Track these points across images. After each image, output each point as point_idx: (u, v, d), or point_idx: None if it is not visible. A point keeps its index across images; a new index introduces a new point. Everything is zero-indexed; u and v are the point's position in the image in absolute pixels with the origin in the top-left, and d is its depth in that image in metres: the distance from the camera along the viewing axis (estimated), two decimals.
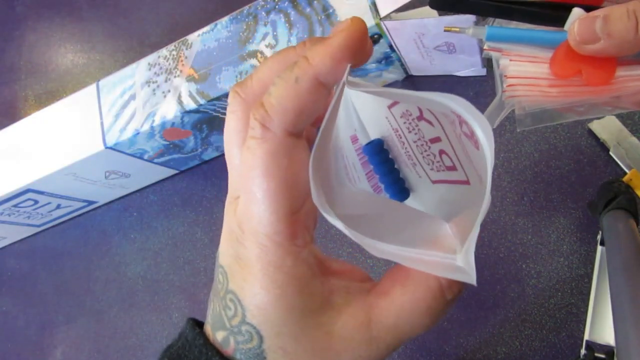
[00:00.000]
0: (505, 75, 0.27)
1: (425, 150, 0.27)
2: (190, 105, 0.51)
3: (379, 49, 0.48)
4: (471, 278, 0.18)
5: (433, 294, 0.20)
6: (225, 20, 0.52)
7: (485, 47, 0.27)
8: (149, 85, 0.53)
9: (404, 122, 0.27)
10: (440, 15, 0.47)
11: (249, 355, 0.20)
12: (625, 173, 0.46)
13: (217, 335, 0.21)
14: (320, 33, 0.47)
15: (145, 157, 0.57)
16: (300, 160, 0.19)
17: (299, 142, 0.20)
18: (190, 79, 0.52)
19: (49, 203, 0.61)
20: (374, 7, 0.45)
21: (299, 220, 0.20)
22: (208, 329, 0.22)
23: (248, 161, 0.19)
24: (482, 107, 0.26)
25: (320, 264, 0.21)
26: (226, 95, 0.50)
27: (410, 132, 0.27)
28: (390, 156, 0.30)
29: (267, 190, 0.19)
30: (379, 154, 0.29)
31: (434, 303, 0.20)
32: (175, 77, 0.52)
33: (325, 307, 0.20)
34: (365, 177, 0.29)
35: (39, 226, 0.66)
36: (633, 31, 0.21)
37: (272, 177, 0.19)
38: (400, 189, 0.30)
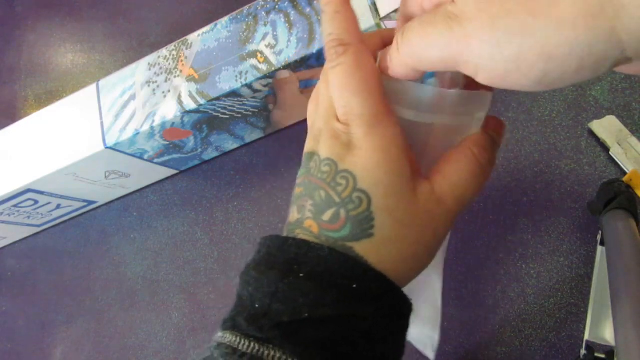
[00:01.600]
0: None
1: None
2: (190, 105, 0.51)
3: None
4: None
5: (469, 161, 0.25)
6: (225, 20, 0.52)
7: None
8: (149, 85, 0.53)
9: None
10: None
11: (359, 220, 0.23)
12: (625, 173, 0.46)
13: (325, 216, 0.24)
14: (320, 33, 0.47)
15: (145, 157, 0.57)
16: (372, 62, 0.25)
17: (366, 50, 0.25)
18: (190, 79, 0.52)
19: (49, 203, 0.61)
20: (374, 7, 0.45)
21: (387, 104, 0.24)
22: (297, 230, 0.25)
23: (340, 67, 0.24)
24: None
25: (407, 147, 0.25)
26: (226, 95, 0.50)
27: None
28: None
29: (362, 80, 0.24)
30: None
31: (473, 167, 0.25)
32: (175, 77, 0.52)
33: (415, 174, 0.25)
34: None
35: (39, 226, 0.66)
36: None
37: (363, 70, 0.24)
38: None
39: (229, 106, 0.52)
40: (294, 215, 0.26)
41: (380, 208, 0.23)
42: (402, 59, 0.23)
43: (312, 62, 0.48)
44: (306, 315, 0.22)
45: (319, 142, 0.26)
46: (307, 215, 0.25)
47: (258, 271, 0.24)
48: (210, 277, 0.57)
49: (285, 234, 0.26)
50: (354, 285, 0.23)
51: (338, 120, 0.25)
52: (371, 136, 0.24)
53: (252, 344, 0.22)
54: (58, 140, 0.56)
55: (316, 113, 0.27)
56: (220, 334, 0.24)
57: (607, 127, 0.47)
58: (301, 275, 0.23)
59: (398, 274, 0.24)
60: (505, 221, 0.48)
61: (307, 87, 0.52)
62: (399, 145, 0.24)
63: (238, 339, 0.22)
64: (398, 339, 0.25)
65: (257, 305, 0.23)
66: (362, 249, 0.23)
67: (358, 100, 0.24)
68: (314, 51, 0.47)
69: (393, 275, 0.24)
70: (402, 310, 0.25)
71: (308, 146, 0.27)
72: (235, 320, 0.23)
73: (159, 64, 0.54)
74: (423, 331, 0.34)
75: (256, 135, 0.59)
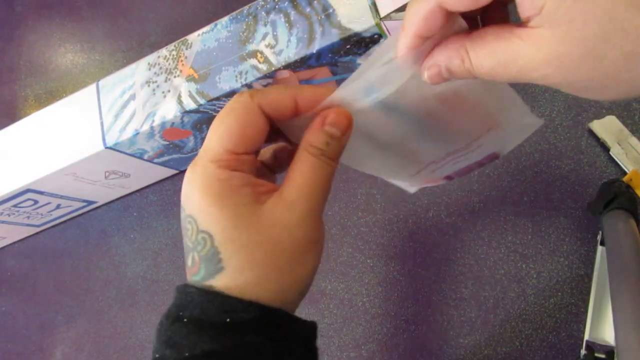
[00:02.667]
0: None
1: None
2: (190, 105, 0.51)
3: None
4: None
5: (306, 160, 0.26)
6: (225, 20, 0.52)
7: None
8: (148, 85, 0.53)
9: None
10: None
11: (208, 259, 0.24)
12: (625, 173, 0.46)
13: (188, 262, 0.26)
14: (320, 33, 0.47)
15: (145, 157, 0.57)
16: (252, 121, 0.26)
17: (256, 113, 0.26)
18: (190, 79, 0.52)
19: (48, 203, 0.61)
20: (374, 7, 0.45)
21: (242, 160, 0.26)
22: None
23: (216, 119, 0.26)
24: None
25: (256, 184, 0.26)
26: (226, 95, 0.50)
27: None
28: None
29: (219, 132, 0.25)
30: None
31: (312, 165, 0.26)
32: (175, 77, 0.52)
33: (255, 201, 0.25)
34: None
35: (38, 226, 0.66)
36: (473, 77, 0.24)
37: (225, 124, 0.26)
38: None
39: None
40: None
41: (223, 241, 0.24)
42: (471, 70, 0.23)
43: (312, 62, 0.48)
44: (186, 354, 0.23)
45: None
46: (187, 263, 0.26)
47: (161, 323, 0.25)
48: None
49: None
50: (227, 320, 0.23)
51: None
52: (205, 177, 0.25)
53: None
54: (58, 140, 0.56)
55: None
56: None
57: (607, 127, 0.47)
58: (185, 320, 0.24)
59: (274, 293, 0.25)
60: (505, 221, 0.48)
61: None
62: (232, 185, 0.25)
63: None
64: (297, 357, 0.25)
65: (157, 355, 0.24)
66: (220, 283, 0.24)
67: (210, 144, 0.25)
68: (314, 51, 0.47)
69: (268, 297, 0.24)
70: (289, 328, 0.25)
71: None
72: None
73: (159, 64, 0.54)
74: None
75: None
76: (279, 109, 0.26)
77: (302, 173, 0.26)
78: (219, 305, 0.24)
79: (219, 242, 0.24)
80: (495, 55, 0.22)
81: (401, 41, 0.24)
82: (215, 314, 0.24)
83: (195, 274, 0.25)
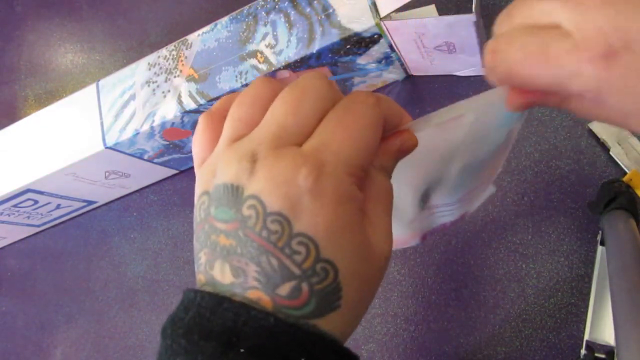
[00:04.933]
0: None
1: None
2: (190, 105, 0.51)
3: (379, 49, 0.48)
4: None
5: (387, 195, 0.24)
6: (225, 20, 0.52)
7: None
8: (148, 85, 0.53)
9: None
10: (440, 15, 0.47)
11: (325, 294, 0.20)
12: (625, 173, 0.46)
13: (281, 290, 0.20)
14: (320, 33, 0.47)
15: (145, 157, 0.57)
16: (379, 136, 0.23)
17: (381, 125, 0.23)
18: (190, 78, 0.52)
19: (48, 203, 0.61)
20: (374, 7, 0.45)
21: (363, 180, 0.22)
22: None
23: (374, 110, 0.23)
24: None
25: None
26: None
27: None
28: None
29: (360, 142, 0.22)
30: None
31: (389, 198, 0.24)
32: (175, 77, 0.52)
33: (368, 226, 0.22)
34: None
35: (38, 226, 0.66)
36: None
37: (366, 135, 0.22)
38: None
39: None
40: (225, 275, 0.21)
41: (348, 277, 0.21)
42: (497, 77, 0.22)
43: (312, 62, 0.48)
44: None
45: (253, 174, 0.21)
46: (252, 284, 0.20)
47: (189, 340, 0.19)
48: None
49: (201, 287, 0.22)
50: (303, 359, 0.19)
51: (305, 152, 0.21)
52: (327, 187, 0.20)
53: None
54: (58, 140, 0.56)
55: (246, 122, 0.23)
56: None
57: (607, 127, 0.47)
58: (242, 350, 0.19)
59: (349, 330, 0.23)
60: (505, 221, 0.48)
61: None
62: (355, 199, 0.21)
63: None
64: None
65: None
66: (328, 323, 0.21)
67: (347, 151, 0.21)
68: (314, 51, 0.47)
69: (346, 333, 0.22)
70: None
71: (228, 171, 0.21)
72: None
73: (159, 64, 0.54)
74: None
75: None
76: (388, 127, 0.23)
77: (376, 188, 0.23)
78: (298, 340, 0.19)
79: (343, 276, 0.20)
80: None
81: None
82: (291, 350, 0.19)
83: (298, 307, 0.20)
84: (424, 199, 0.31)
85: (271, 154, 0.21)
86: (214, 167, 0.22)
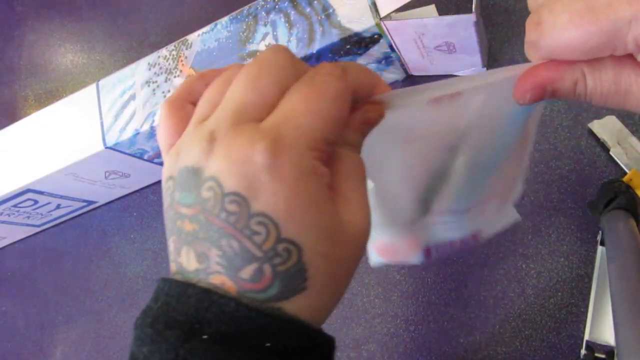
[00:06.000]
0: None
1: None
2: None
3: (379, 49, 0.48)
4: None
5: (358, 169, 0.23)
6: (225, 20, 0.52)
7: None
8: (149, 85, 0.53)
9: None
10: (440, 15, 0.47)
11: (289, 276, 0.19)
12: (625, 173, 0.46)
13: (243, 273, 0.19)
14: (320, 33, 0.47)
15: (145, 157, 0.57)
16: (347, 107, 0.22)
17: (349, 95, 0.22)
18: None
19: (48, 203, 0.61)
20: (374, 7, 0.45)
21: (330, 155, 0.21)
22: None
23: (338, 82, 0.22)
24: None
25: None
26: None
27: None
28: None
29: (322, 113, 0.20)
30: None
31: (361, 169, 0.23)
32: (175, 77, 0.52)
33: (340, 203, 0.21)
34: None
35: (38, 226, 0.66)
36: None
37: (329, 107, 0.21)
38: None
39: None
40: (190, 261, 0.20)
41: (313, 258, 0.20)
42: (583, 93, 0.21)
43: (312, 62, 0.48)
44: None
45: (210, 154, 0.20)
46: (215, 269, 0.20)
47: (155, 329, 0.19)
48: None
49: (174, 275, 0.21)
50: (268, 344, 0.19)
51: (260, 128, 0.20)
52: (285, 163, 0.19)
53: None
54: (58, 140, 0.56)
55: (209, 105, 0.22)
56: None
57: (607, 127, 0.47)
58: (204, 337, 0.18)
59: (322, 313, 0.21)
60: None
61: None
62: (319, 174, 0.20)
63: None
64: None
65: None
66: (295, 306, 0.20)
67: (306, 125, 0.20)
68: (314, 51, 0.47)
69: (317, 316, 0.21)
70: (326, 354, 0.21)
71: (189, 154, 0.21)
72: None
73: (159, 64, 0.54)
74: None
75: None
76: (359, 95, 0.22)
77: (344, 165, 0.22)
78: (261, 324, 0.19)
79: (308, 258, 0.19)
80: (617, 81, 0.20)
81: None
82: (255, 336, 0.19)
83: (262, 290, 0.19)
84: (427, 199, 0.29)
85: (230, 132, 0.20)
86: (179, 150, 0.22)
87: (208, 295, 0.19)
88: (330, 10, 0.47)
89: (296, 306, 0.20)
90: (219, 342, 0.18)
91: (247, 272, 0.19)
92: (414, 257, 0.32)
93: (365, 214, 0.22)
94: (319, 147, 0.20)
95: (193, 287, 0.19)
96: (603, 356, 0.39)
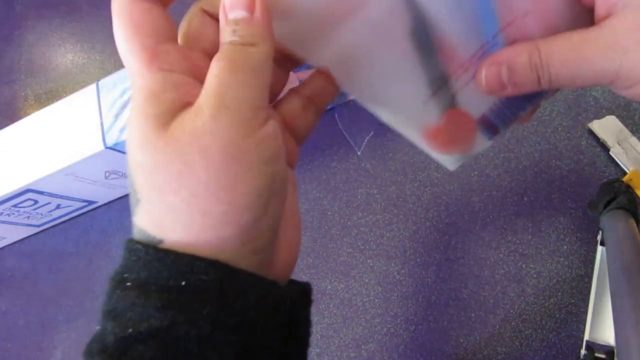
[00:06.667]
0: None
1: None
2: None
3: None
4: None
5: (231, 56, 0.20)
6: None
7: None
8: None
9: None
10: None
11: (131, 188, 0.20)
12: (625, 173, 0.46)
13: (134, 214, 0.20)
14: None
15: None
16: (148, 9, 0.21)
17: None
18: None
19: (49, 203, 0.61)
20: None
21: (160, 53, 0.20)
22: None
23: None
24: None
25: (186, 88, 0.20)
26: None
27: None
28: None
29: (125, 31, 0.21)
30: None
31: (235, 60, 0.20)
32: None
33: (175, 112, 0.19)
34: None
35: (39, 226, 0.66)
36: (536, 84, 0.22)
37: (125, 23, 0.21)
38: None
39: None
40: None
41: (134, 167, 0.19)
42: (540, 68, 0.21)
43: None
44: (130, 331, 0.18)
45: None
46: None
47: (107, 288, 0.20)
48: None
49: None
50: (183, 283, 0.18)
51: None
52: (135, 89, 0.20)
53: None
54: (58, 140, 0.56)
55: None
56: None
57: (607, 127, 0.47)
58: (128, 284, 0.19)
59: (163, 222, 0.19)
60: (505, 221, 0.48)
61: None
62: (141, 87, 0.20)
63: None
64: (275, 335, 0.20)
65: (98, 327, 0.19)
66: (139, 219, 0.19)
67: (125, 52, 0.21)
68: None
69: (206, 243, 0.19)
70: (269, 298, 0.20)
71: None
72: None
73: None
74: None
75: None
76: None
77: (210, 72, 0.19)
78: (171, 264, 0.19)
79: (132, 169, 0.19)
80: (573, 50, 0.20)
81: None
82: (167, 276, 0.19)
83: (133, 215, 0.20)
84: (428, 46, 0.22)
85: None
86: None
87: (129, 245, 0.20)
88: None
89: (138, 219, 0.19)
90: (138, 287, 0.19)
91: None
92: (476, 137, 0.25)
93: (206, 116, 0.19)
94: (143, 58, 0.20)
95: (128, 241, 0.20)
96: (603, 356, 0.39)
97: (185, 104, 0.19)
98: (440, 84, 0.23)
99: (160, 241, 0.19)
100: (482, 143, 0.25)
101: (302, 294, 0.22)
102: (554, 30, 0.21)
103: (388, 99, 0.24)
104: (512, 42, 0.22)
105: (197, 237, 0.19)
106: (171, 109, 0.19)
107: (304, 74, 0.50)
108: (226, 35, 0.20)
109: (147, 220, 0.19)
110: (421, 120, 0.24)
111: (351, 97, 0.55)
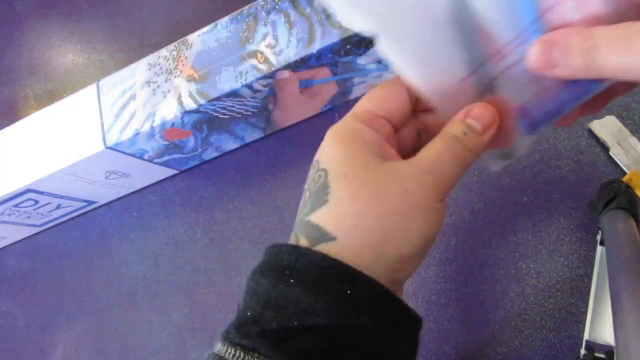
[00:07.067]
0: None
1: None
2: (190, 105, 0.51)
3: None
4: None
5: (452, 144, 0.25)
6: (225, 20, 0.52)
7: None
8: (149, 85, 0.53)
9: None
10: None
11: (317, 193, 0.25)
12: (625, 173, 0.46)
13: (301, 204, 0.26)
14: (320, 33, 0.47)
15: (145, 157, 0.57)
16: (397, 92, 0.27)
17: (403, 87, 0.27)
18: (190, 79, 0.52)
19: (49, 203, 0.61)
20: None
21: (379, 122, 0.26)
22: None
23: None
24: None
25: (385, 146, 0.26)
26: (226, 95, 0.50)
27: None
28: None
29: (365, 96, 0.27)
30: None
31: (455, 149, 0.25)
32: (175, 77, 0.52)
33: (380, 155, 0.25)
34: None
35: (39, 226, 0.66)
36: (583, 70, 0.22)
37: (373, 91, 0.27)
38: None
39: (229, 106, 0.52)
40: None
41: (336, 176, 0.24)
42: (592, 53, 0.21)
43: (312, 62, 0.48)
44: (295, 323, 0.22)
45: None
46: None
47: (254, 280, 0.24)
48: (210, 277, 0.57)
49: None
50: (348, 291, 0.22)
51: None
52: (334, 128, 0.27)
53: (237, 352, 0.22)
54: (58, 140, 0.56)
55: None
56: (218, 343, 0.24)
57: (607, 127, 0.47)
58: (292, 281, 0.23)
59: (346, 223, 0.24)
60: (505, 221, 0.48)
61: (307, 87, 0.52)
62: (360, 137, 0.25)
63: (225, 347, 0.22)
64: (400, 352, 0.24)
65: (249, 313, 0.23)
66: (318, 217, 0.24)
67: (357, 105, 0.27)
68: (314, 51, 0.47)
69: (369, 255, 0.23)
70: (402, 320, 0.24)
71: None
72: (228, 328, 0.23)
73: (159, 64, 0.54)
74: None
75: (256, 135, 0.59)
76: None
77: (434, 145, 0.25)
78: (335, 272, 0.22)
79: (331, 177, 0.24)
80: (628, 41, 0.20)
81: None
82: (335, 282, 0.22)
83: (301, 211, 0.25)
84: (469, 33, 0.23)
85: None
86: None
87: (297, 250, 0.24)
88: (331, 10, 0.47)
89: (320, 216, 0.24)
90: (304, 285, 0.22)
91: (302, 201, 0.26)
92: (515, 129, 0.25)
93: (420, 171, 0.24)
94: (361, 114, 0.26)
95: (287, 246, 0.24)
96: (603, 356, 0.39)
97: (384, 154, 0.25)
98: (479, 65, 0.24)
99: (334, 238, 0.23)
100: (521, 137, 0.26)
101: (420, 324, 0.26)
102: (594, 21, 0.21)
103: (429, 67, 0.24)
104: (553, 29, 0.22)
105: (362, 243, 0.23)
106: (379, 149, 0.25)
107: (304, 74, 0.50)
108: (456, 129, 0.25)
109: (329, 218, 0.24)
110: (458, 101, 0.25)
111: (351, 97, 0.55)
